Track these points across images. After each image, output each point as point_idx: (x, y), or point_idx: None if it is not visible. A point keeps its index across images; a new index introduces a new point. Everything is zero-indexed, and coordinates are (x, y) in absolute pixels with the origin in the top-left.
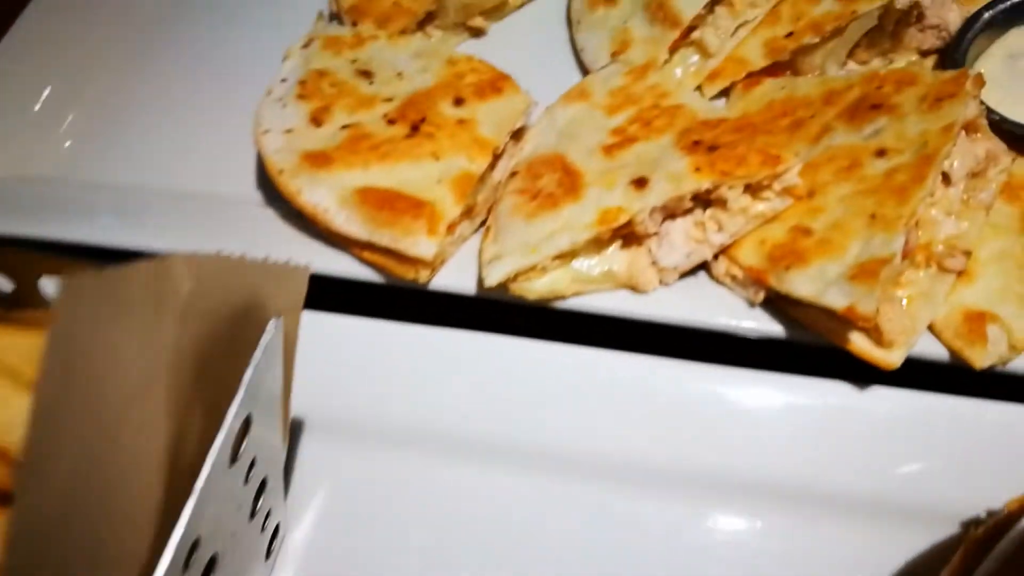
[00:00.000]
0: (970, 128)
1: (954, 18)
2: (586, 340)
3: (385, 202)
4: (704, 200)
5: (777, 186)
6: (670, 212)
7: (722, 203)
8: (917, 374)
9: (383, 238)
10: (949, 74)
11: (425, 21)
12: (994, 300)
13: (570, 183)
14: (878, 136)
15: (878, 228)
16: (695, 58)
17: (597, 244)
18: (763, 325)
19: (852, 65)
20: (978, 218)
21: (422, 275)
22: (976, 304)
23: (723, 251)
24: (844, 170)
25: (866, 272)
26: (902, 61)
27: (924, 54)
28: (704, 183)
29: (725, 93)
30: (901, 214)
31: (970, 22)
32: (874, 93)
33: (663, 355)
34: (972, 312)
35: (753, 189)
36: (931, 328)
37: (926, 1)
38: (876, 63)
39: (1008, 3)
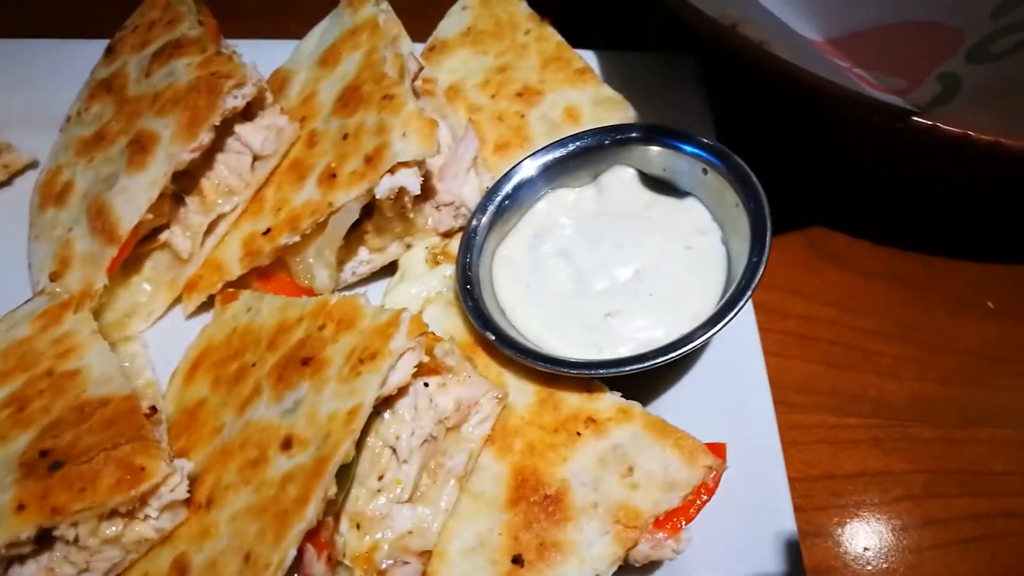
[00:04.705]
0: (441, 370)
1: (470, 192)
2: None
3: None
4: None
5: (156, 502)
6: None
7: (74, 540)
8: None
9: None
10: (385, 316)
11: None
12: None
13: None
14: (295, 413)
15: None
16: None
17: None
18: None
19: (363, 254)
20: (445, 496)
21: None
22: None
23: None
24: (250, 466)
25: None
26: (421, 247)
27: (447, 235)
28: (25, 530)
29: (211, 303)
30: (270, 560)
31: (490, 196)
32: (314, 336)
33: None
34: None
35: (123, 511)
36: None
37: (413, 187)
38: (393, 250)
39: (547, 158)
